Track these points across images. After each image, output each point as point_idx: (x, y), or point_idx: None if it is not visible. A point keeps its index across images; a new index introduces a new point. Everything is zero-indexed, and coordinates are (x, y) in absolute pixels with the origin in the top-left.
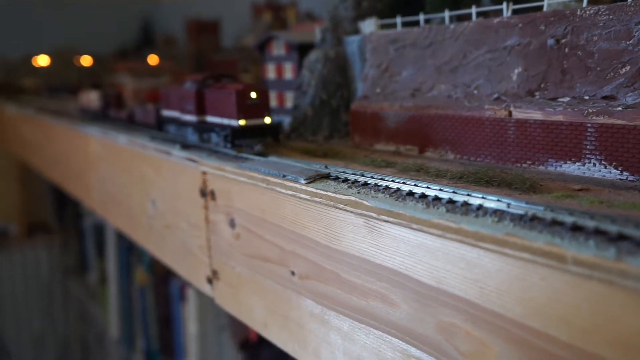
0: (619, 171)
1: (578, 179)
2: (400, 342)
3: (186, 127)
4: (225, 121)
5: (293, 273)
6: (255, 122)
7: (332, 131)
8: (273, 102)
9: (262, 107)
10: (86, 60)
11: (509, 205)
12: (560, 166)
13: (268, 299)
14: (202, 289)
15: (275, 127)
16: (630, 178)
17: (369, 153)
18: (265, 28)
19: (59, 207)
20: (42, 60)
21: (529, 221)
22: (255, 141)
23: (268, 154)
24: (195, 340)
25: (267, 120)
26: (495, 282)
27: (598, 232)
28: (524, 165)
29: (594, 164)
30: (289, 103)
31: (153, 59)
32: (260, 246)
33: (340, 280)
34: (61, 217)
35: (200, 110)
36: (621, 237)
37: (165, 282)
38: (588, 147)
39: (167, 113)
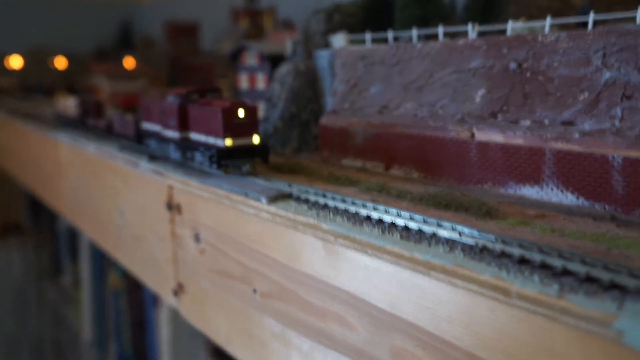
0: (575, 197)
1: (536, 204)
2: None
3: (168, 144)
4: (211, 140)
5: (255, 291)
6: (242, 141)
7: (302, 144)
8: None
9: (250, 125)
10: (60, 63)
11: (460, 234)
12: (520, 189)
13: (231, 315)
14: (169, 302)
15: (264, 147)
16: (586, 204)
17: (335, 169)
18: (241, 35)
19: (34, 208)
20: (15, 62)
21: (479, 252)
22: (243, 162)
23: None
24: (167, 346)
25: (256, 139)
26: (446, 311)
27: (544, 266)
28: (485, 186)
29: (552, 189)
30: (261, 114)
31: (129, 62)
32: (224, 262)
33: (300, 300)
34: (36, 219)
35: (184, 126)
36: (565, 273)
37: (138, 287)
38: (546, 172)
39: (147, 126)
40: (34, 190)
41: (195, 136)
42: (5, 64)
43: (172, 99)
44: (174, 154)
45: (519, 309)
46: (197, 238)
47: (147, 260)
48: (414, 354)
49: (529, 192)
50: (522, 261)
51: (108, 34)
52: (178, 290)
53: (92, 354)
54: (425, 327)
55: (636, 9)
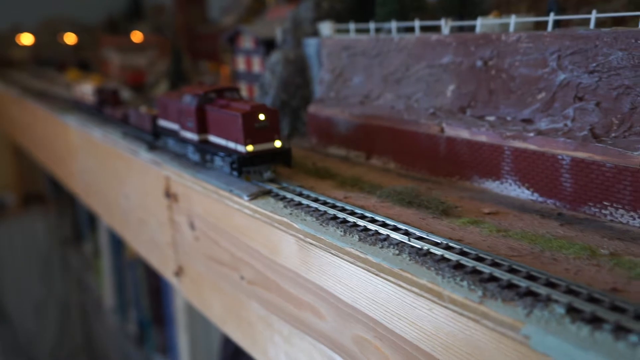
0: (530, 192)
1: (495, 198)
2: (327, 349)
3: (186, 144)
4: (231, 145)
5: (242, 277)
6: (264, 146)
7: (293, 130)
8: (244, 94)
9: (271, 129)
10: (70, 39)
11: (409, 238)
12: (483, 183)
13: (224, 298)
14: (171, 282)
15: (286, 151)
16: (539, 199)
17: (319, 159)
18: (243, 9)
19: (54, 180)
20: (26, 39)
21: (423, 256)
22: (265, 168)
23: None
24: (183, 313)
25: (278, 143)
26: (395, 308)
27: (474, 272)
28: (453, 179)
29: (510, 184)
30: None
31: (137, 36)
32: (216, 250)
33: (280, 289)
34: (56, 189)
35: (202, 128)
36: (491, 279)
37: None
38: (505, 167)
39: (164, 123)
40: (49, 167)
41: (214, 139)
42: (17, 40)
43: (189, 99)
44: (193, 155)
45: (451, 310)
46: (192, 226)
47: (150, 243)
48: (372, 343)
49: (491, 186)
50: (457, 266)
51: (119, 2)
52: (178, 272)
53: (114, 319)
54: (380, 320)
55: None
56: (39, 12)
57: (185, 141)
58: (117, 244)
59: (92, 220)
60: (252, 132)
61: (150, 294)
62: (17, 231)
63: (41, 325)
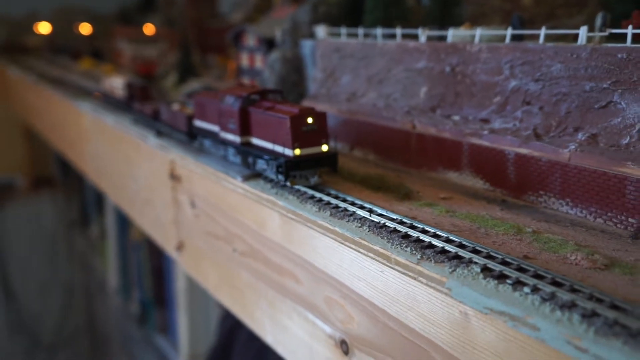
0: (482, 182)
1: (454, 186)
2: (303, 309)
3: (227, 147)
4: (277, 148)
5: (235, 250)
6: (311, 150)
7: None
8: None
9: (319, 133)
10: (85, 29)
11: (370, 214)
12: (446, 174)
13: (219, 269)
14: (173, 256)
15: (332, 155)
16: (490, 188)
17: None
18: (251, 7)
19: (64, 163)
20: (43, 28)
21: (379, 228)
22: (311, 172)
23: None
24: (183, 294)
25: (325, 147)
26: (356, 271)
27: (417, 241)
28: (422, 170)
29: (467, 174)
30: None
31: (149, 28)
32: (213, 226)
33: (266, 259)
34: (65, 173)
35: (245, 130)
36: (429, 246)
37: None
38: (464, 160)
39: (201, 124)
40: (62, 151)
41: (257, 142)
42: (34, 29)
43: (232, 101)
44: (233, 158)
45: (396, 271)
46: (193, 204)
47: (155, 221)
48: (338, 302)
49: (452, 176)
50: (405, 236)
51: None
52: (179, 247)
53: (117, 299)
54: (344, 282)
55: (574, 10)
56: (54, 0)
57: (225, 143)
58: (123, 226)
59: (99, 204)
60: (299, 135)
61: (153, 276)
62: (26, 213)
63: (46, 304)
